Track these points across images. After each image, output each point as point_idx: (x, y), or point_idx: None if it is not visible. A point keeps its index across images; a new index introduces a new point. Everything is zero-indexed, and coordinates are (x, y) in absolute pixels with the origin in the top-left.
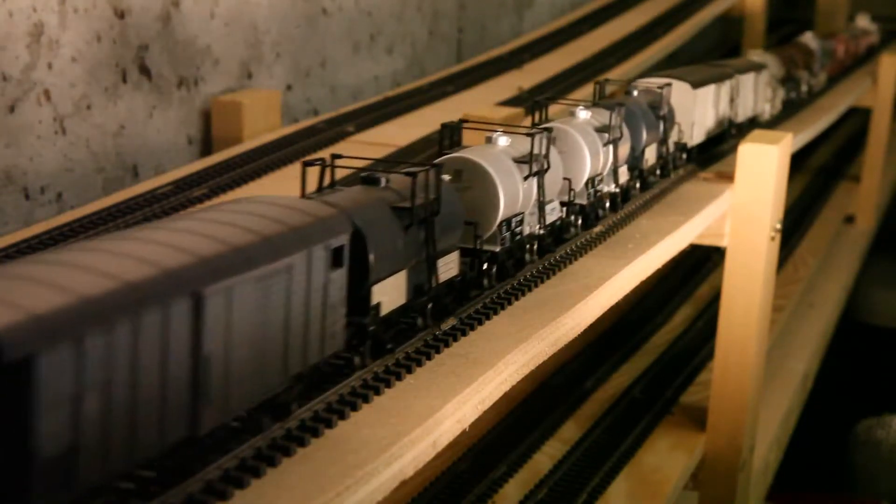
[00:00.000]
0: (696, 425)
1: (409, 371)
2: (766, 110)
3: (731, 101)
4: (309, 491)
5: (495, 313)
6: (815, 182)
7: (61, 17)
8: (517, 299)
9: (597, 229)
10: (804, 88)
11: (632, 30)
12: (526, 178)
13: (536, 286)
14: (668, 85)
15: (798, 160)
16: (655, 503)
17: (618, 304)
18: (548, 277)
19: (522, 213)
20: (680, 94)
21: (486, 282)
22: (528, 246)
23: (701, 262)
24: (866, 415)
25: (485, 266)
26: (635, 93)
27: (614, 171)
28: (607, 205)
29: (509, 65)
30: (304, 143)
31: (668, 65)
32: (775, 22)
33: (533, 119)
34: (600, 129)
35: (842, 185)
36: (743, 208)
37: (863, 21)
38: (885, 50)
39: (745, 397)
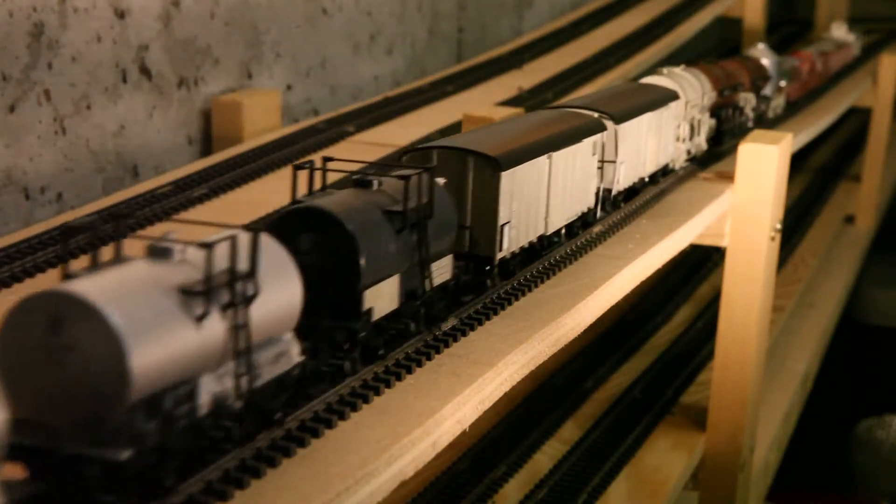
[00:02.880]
0: (696, 425)
1: (409, 371)
2: (682, 155)
3: (601, 164)
4: (309, 491)
5: (495, 313)
6: (815, 182)
7: (61, 17)
8: (517, 299)
9: (596, 229)
10: (750, 115)
11: (632, 30)
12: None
13: (536, 286)
14: (427, 171)
15: (798, 160)
16: (655, 503)
17: (618, 304)
18: (548, 277)
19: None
20: (477, 177)
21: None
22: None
23: (701, 262)
24: (866, 415)
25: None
26: (375, 184)
27: (246, 358)
28: (278, 403)
29: (509, 65)
30: (304, 143)
31: (668, 65)
32: (775, 23)
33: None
34: (187, 291)
35: (842, 185)
36: (743, 208)
37: (839, 31)
38: (884, 50)
39: (745, 397)
